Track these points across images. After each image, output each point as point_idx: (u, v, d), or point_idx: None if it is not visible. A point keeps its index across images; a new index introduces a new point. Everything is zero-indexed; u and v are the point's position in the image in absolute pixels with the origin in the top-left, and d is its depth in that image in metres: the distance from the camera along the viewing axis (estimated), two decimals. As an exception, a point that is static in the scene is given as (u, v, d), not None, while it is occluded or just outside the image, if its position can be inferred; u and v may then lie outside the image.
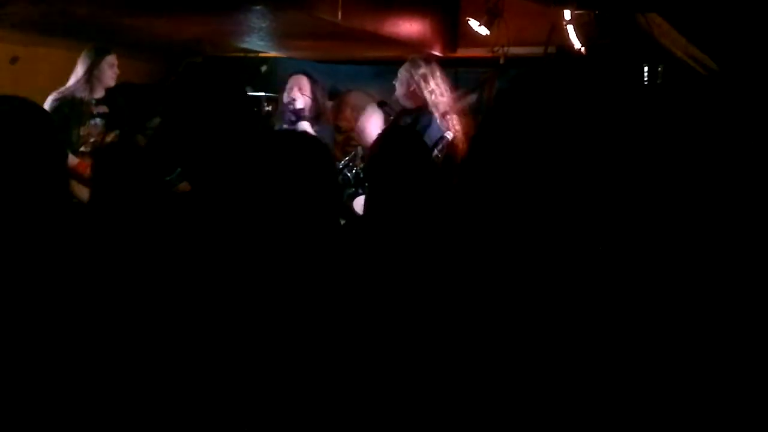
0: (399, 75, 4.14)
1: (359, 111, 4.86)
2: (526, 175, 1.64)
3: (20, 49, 4.47)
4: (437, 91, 4.03)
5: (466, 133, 4.01)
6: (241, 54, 5.54)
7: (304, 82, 4.57)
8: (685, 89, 3.18)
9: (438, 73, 4.08)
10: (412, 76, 4.06)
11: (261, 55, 5.66)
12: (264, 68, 5.70)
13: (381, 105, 4.38)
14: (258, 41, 4.98)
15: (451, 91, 4.15)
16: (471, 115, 5.69)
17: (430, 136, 3.86)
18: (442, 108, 4.02)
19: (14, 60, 4.46)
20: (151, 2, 3.73)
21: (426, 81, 4.04)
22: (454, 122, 4.01)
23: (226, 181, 1.77)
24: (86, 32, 4.40)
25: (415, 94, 4.07)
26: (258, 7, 3.81)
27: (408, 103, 4.14)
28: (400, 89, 4.14)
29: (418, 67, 4.07)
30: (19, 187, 1.64)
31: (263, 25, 4.24)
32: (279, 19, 4.13)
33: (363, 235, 2.46)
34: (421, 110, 4.06)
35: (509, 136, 1.70)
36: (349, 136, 5.40)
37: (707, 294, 1.63)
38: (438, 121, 3.98)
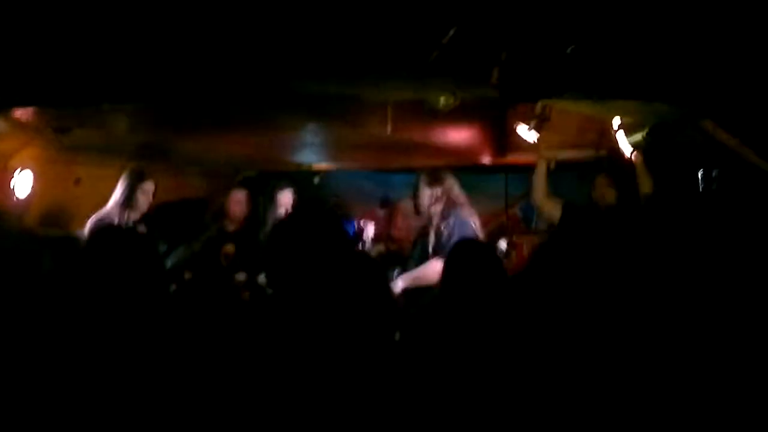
0: None
1: (411, 219, 4.87)
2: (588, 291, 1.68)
3: (82, 170, 4.61)
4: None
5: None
6: (295, 167, 5.67)
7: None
8: (742, 195, 3.12)
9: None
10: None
11: (314, 167, 5.78)
12: (317, 180, 5.80)
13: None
14: (311, 155, 5.09)
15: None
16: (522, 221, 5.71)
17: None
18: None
19: (77, 181, 4.60)
20: (210, 126, 3.85)
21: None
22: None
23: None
24: (144, 153, 4.56)
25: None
26: (311, 125, 3.91)
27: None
28: None
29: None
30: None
31: (316, 140, 4.35)
32: (331, 134, 4.23)
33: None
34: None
35: (572, 258, 1.74)
36: (401, 246, 5.40)
37: None
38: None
